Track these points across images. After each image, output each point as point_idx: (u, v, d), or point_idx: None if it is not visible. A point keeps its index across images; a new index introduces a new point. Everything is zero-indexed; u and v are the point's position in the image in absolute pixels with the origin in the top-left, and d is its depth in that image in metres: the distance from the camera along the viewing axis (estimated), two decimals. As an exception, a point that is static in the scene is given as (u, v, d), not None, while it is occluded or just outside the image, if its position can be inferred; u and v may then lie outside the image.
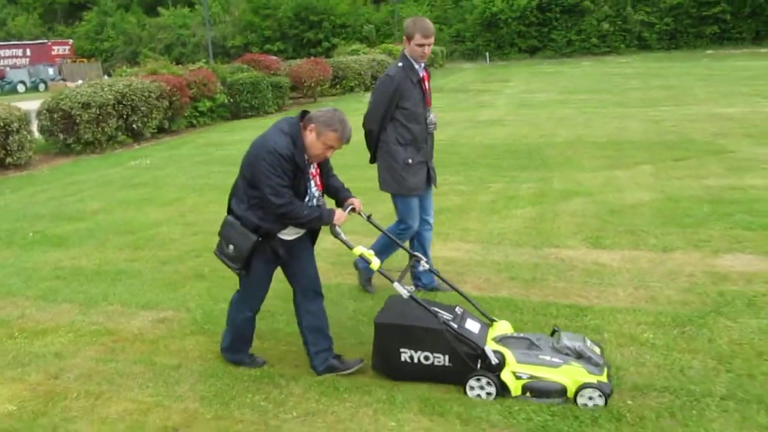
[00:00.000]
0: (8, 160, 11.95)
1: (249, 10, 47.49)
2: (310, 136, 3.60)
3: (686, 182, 7.95)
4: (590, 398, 3.45)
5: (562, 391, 3.50)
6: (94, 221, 8.10)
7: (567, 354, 3.60)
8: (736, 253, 5.53)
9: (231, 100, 18.34)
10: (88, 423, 3.63)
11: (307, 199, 3.74)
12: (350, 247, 3.77)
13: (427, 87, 4.75)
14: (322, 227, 3.89)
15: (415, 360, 3.74)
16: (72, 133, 13.43)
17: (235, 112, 18.60)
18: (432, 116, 4.81)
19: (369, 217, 4.12)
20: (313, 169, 3.80)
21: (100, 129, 13.59)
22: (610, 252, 5.75)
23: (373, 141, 4.83)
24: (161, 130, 15.72)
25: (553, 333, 3.89)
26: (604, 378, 3.51)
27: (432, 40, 4.59)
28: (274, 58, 23.76)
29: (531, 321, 4.49)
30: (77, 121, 13.22)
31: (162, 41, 49.94)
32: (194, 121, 17.02)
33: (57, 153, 13.77)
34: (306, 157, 3.65)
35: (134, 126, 14.47)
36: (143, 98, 14.41)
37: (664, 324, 4.33)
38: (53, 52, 49.33)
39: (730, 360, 3.83)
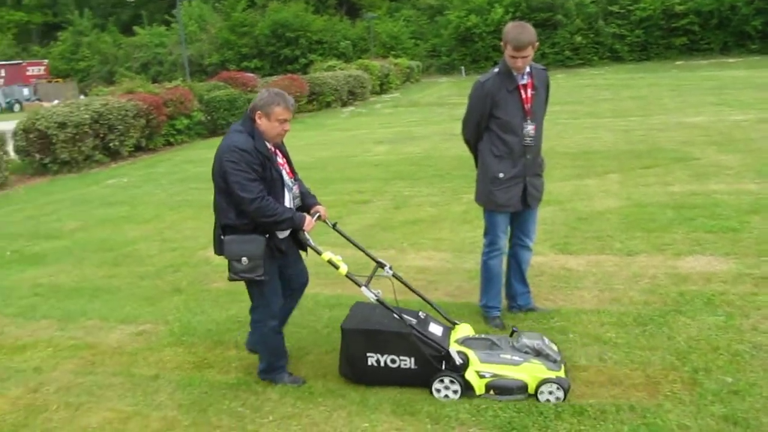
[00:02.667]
0: (-16, 180, 11.96)
1: (225, 28, 47.60)
2: (262, 123, 3.74)
3: (652, 189, 8.19)
4: (550, 393, 3.63)
5: (523, 388, 3.68)
6: (71, 239, 8.15)
7: (526, 352, 3.78)
8: (696, 255, 5.75)
9: (208, 117, 18.44)
10: (68, 433, 3.72)
11: (285, 188, 3.85)
12: (319, 253, 3.86)
13: (527, 96, 4.35)
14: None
15: (382, 364, 3.86)
16: (48, 153, 13.44)
17: (213, 129, 18.69)
18: (530, 128, 4.37)
19: (335, 225, 4.18)
20: (280, 159, 3.92)
21: (76, 148, 13.61)
22: (577, 257, 5.95)
23: (472, 151, 4.66)
24: (138, 149, 15.74)
25: (512, 334, 4.05)
26: (562, 373, 3.70)
27: (526, 53, 4.15)
28: (251, 75, 23.89)
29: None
30: (53, 141, 13.24)
31: (138, 60, 49.84)
32: (171, 139, 17.05)
33: (33, 173, 13.76)
34: (269, 146, 3.78)
35: (111, 145, 14.50)
36: (120, 117, 14.46)
37: (626, 324, 4.51)
38: (28, 73, 48.99)
39: (688, 355, 4.01)
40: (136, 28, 51.87)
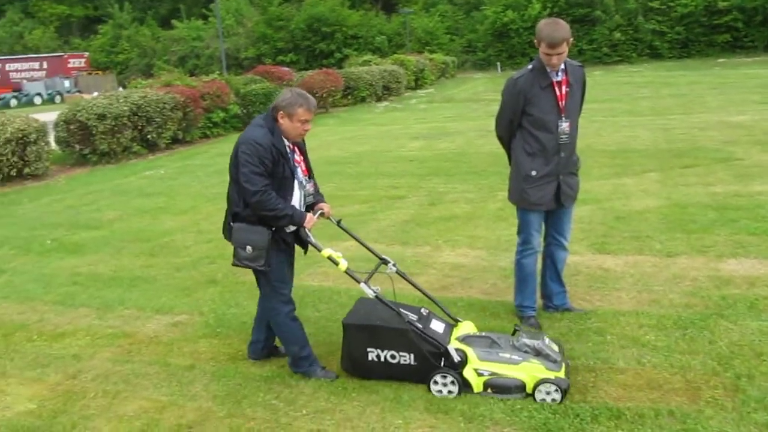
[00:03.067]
0: (26, 170, 12.21)
1: (262, 22, 47.96)
2: (284, 123, 3.82)
3: (693, 189, 8.02)
4: (547, 393, 3.61)
5: (521, 387, 3.67)
6: (110, 229, 8.29)
7: (526, 351, 3.77)
8: (739, 257, 5.60)
9: (244, 110, 18.56)
10: (105, 420, 3.77)
11: (296, 183, 3.92)
12: (319, 249, 3.90)
13: (562, 93, 4.28)
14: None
15: (382, 359, 3.90)
16: (88, 144, 13.68)
17: (248, 122, 18.80)
18: (564, 125, 4.30)
19: (339, 222, 4.23)
20: (297, 156, 4.01)
21: (115, 140, 13.82)
22: (615, 257, 5.84)
23: (506, 148, 4.61)
24: (175, 141, 15.92)
25: (514, 332, 4.03)
26: (561, 374, 3.67)
27: (561, 50, 4.10)
28: (287, 69, 24.05)
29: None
30: (93, 132, 13.47)
31: (176, 53, 50.50)
32: (208, 132, 17.20)
33: (73, 163, 14.02)
34: (287, 144, 3.87)
35: (149, 137, 14.70)
36: (158, 110, 14.64)
37: (666, 326, 4.41)
38: (69, 65, 50.00)
39: (730, 361, 3.90)
40: (174, 22, 52.57)
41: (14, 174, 12.04)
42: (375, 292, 3.87)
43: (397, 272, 4.16)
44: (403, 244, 6.69)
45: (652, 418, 3.40)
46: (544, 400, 3.61)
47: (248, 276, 5.92)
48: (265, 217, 3.79)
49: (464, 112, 19.90)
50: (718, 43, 38.85)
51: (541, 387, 3.61)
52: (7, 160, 11.72)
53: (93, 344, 4.84)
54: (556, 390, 3.59)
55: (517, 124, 4.41)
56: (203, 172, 12.15)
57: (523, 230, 4.58)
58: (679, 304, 4.78)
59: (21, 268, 6.87)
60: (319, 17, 45.27)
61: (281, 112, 3.80)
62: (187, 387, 4.09)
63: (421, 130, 16.21)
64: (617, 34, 40.54)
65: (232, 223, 3.90)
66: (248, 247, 3.81)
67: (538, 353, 3.75)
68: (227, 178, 4.04)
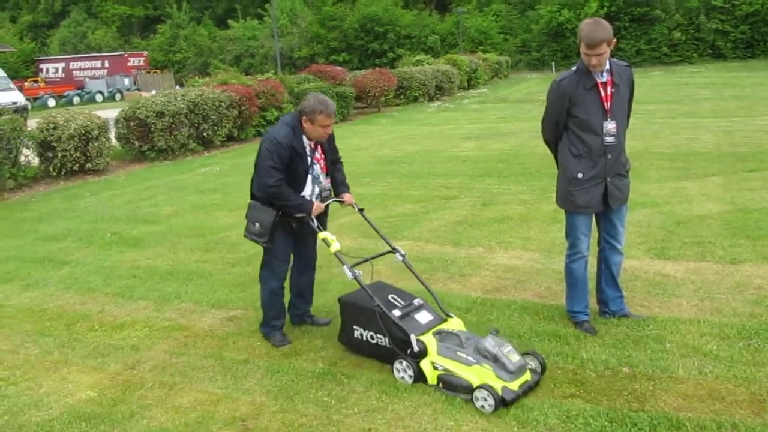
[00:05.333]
0: (88, 165, 12.61)
1: (316, 22, 48.40)
2: (307, 126, 4.30)
3: (758, 194, 7.73)
4: (485, 399, 3.59)
5: (468, 388, 3.70)
6: (167, 224, 8.48)
7: (485, 356, 3.76)
8: (808, 266, 5.37)
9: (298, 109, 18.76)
10: (162, 411, 3.86)
11: (310, 178, 4.41)
12: (317, 231, 4.38)
13: (607, 94, 4.21)
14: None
15: (364, 338, 4.22)
16: (147, 140, 14.05)
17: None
18: (611, 126, 4.22)
19: (361, 211, 4.68)
20: (318, 155, 4.48)
21: (172, 137, 14.16)
22: (675, 263, 5.67)
23: (552, 151, 4.57)
24: (230, 139, 16.21)
25: (496, 333, 4.00)
26: (512, 385, 3.63)
27: (600, 50, 4.00)
28: (340, 68, 24.14)
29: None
30: (152, 129, 13.83)
31: (231, 52, 51.40)
32: (262, 130, 17.38)
33: (132, 159, 14.42)
34: (308, 143, 4.35)
35: (205, 134, 15.00)
36: (214, 108, 14.93)
37: (729, 336, 4.26)
38: (129, 64, 51.38)
39: (798, 373, 3.75)
40: (230, 22, 53.53)
41: (77, 169, 12.47)
42: (354, 276, 4.20)
43: (403, 262, 4.49)
44: (455, 244, 6.65)
45: (715, 430, 3.29)
46: (482, 406, 3.59)
47: (301, 273, 6.00)
48: (278, 205, 4.29)
49: (517, 112, 19.67)
50: (785, 43, 37.45)
51: (478, 391, 3.61)
52: (71, 155, 12.14)
53: (151, 336, 4.96)
54: (490, 397, 3.55)
55: (563, 127, 4.35)
56: (257, 170, 12.30)
57: (571, 234, 4.50)
58: (743, 313, 4.60)
59: (83, 260, 7.09)
60: (372, 17, 45.43)
61: (304, 117, 4.26)
62: (241, 381, 4.15)
63: (474, 130, 16.09)
64: (677, 34, 39.48)
65: (250, 201, 4.43)
66: (256, 224, 4.34)
67: (495, 359, 3.74)
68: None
